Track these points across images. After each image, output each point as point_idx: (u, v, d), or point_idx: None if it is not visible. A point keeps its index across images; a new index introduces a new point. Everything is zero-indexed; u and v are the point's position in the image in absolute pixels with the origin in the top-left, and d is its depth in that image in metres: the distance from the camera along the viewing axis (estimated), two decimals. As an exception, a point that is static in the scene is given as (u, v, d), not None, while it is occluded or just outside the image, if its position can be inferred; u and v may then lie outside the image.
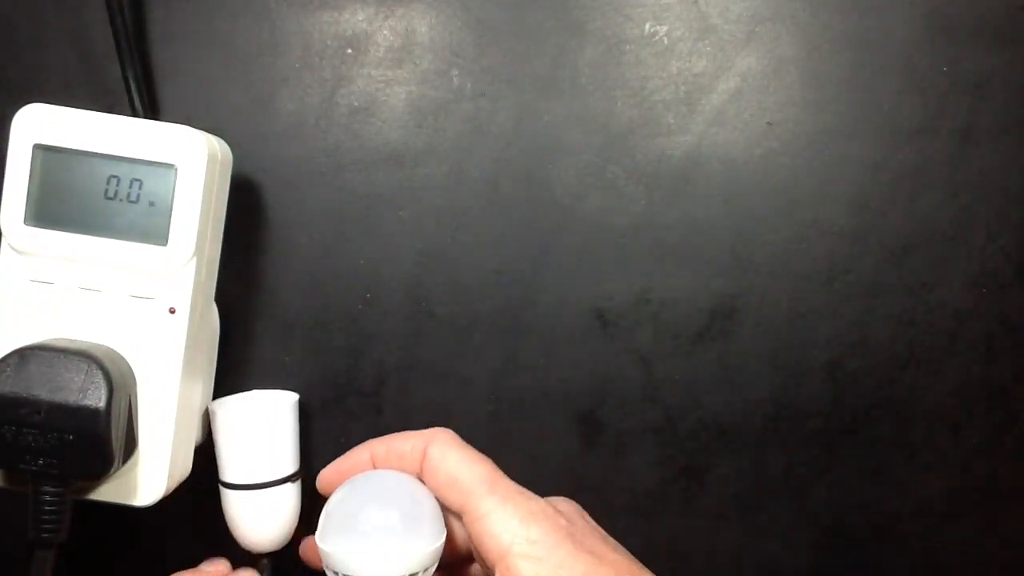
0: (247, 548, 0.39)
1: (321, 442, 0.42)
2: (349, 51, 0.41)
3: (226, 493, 0.38)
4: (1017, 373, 0.42)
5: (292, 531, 0.39)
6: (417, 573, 0.33)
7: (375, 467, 0.36)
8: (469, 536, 0.33)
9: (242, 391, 0.41)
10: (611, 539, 0.35)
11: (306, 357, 0.42)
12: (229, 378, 0.42)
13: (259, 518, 0.38)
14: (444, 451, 0.35)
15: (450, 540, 0.36)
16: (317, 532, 0.34)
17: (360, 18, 0.41)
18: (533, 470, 0.40)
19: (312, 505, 0.39)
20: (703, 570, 0.43)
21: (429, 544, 0.33)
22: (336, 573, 0.33)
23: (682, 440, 0.42)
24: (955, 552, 0.43)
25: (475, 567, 0.38)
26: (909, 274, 0.41)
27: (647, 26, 0.41)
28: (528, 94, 0.41)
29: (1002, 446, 0.42)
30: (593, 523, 0.36)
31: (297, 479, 0.39)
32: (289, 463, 0.39)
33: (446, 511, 0.35)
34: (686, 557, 0.43)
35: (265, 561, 0.39)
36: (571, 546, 0.32)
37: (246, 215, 0.41)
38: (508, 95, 0.41)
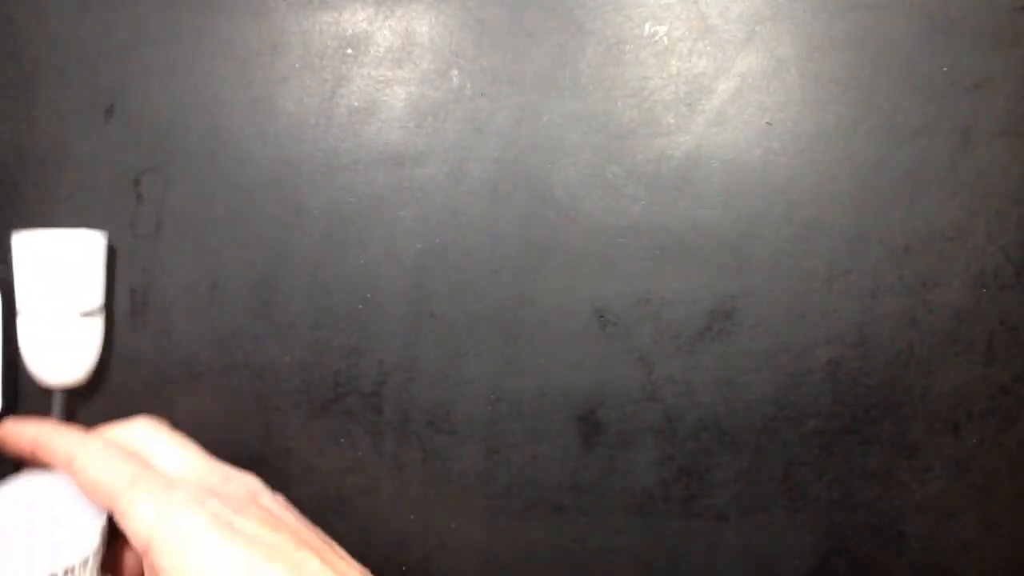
0: (40, 380, 0.39)
1: (321, 442, 0.42)
2: (349, 51, 0.41)
3: (25, 322, 0.38)
4: (1017, 373, 0.42)
5: (87, 369, 0.39)
6: (72, 567, 0.34)
7: (36, 448, 0.36)
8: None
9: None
10: (287, 516, 0.35)
11: (306, 357, 0.42)
12: (230, 379, 0.42)
13: (55, 349, 0.38)
14: (87, 460, 0.34)
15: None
16: None
17: (360, 18, 0.41)
18: (533, 470, 0.40)
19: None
20: (703, 570, 0.43)
21: (74, 540, 0.34)
22: None
23: (682, 440, 0.42)
24: (955, 552, 0.43)
25: None
26: (909, 274, 0.41)
27: (647, 26, 0.41)
28: (528, 94, 0.41)
29: (1002, 446, 0.42)
30: (268, 501, 0.36)
31: (99, 315, 0.39)
32: (92, 298, 0.39)
33: None
34: (686, 557, 0.43)
35: (59, 394, 0.39)
36: (216, 529, 0.32)
37: (246, 215, 0.41)
38: (508, 95, 0.41)
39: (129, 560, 0.38)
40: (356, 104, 0.41)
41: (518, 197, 0.41)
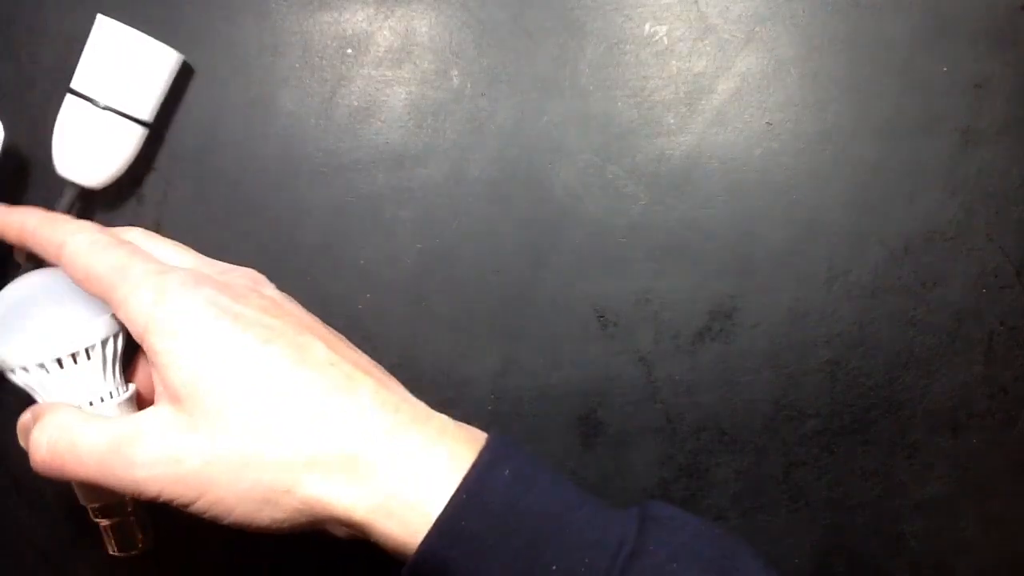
0: (60, 170, 0.38)
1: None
2: (349, 51, 0.41)
3: (72, 102, 0.37)
4: (1017, 373, 0.42)
5: (110, 177, 0.38)
6: (93, 345, 0.33)
7: (24, 236, 0.35)
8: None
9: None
10: (290, 305, 0.34)
11: (306, 357, 0.42)
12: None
13: (93, 141, 0.37)
14: (77, 248, 0.32)
15: None
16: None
17: (360, 18, 0.41)
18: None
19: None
20: (703, 570, 0.43)
21: (89, 317, 0.33)
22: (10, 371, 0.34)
23: (682, 440, 0.42)
24: (955, 552, 0.43)
25: None
26: (909, 274, 0.41)
27: (647, 26, 0.41)
28: (528, 94, 0.41)
29: (1002, 446, 0.42)
30: (271, 292, 0.34)
31: (145, 129, 0.39)
32: (147, 109, 0.38)
33: None
34: (686, 557, 0.43)
35: (74, 191, 0.38)
36: (212, 312, 0.30)
37: (246, 215, 0.41)
38: (508, 95, 0.41)
39: (145, 364, 0.37)
40: (356, 104, 0.41)
41: (518, 197, 0.41)
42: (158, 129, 0.40)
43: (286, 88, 0.41)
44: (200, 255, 0.36)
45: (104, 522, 0.35)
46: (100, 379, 0.34)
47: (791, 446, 0.42)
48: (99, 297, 0.32)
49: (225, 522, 0.30)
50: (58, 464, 0.31)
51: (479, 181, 0.41)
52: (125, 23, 0.38)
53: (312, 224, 0.41)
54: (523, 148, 0.41)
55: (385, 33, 0.41)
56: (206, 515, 0.30)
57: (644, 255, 0.41)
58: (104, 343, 0.34)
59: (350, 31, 0.41)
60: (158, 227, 0.42)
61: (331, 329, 0.34)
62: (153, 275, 0.31)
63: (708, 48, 0.41)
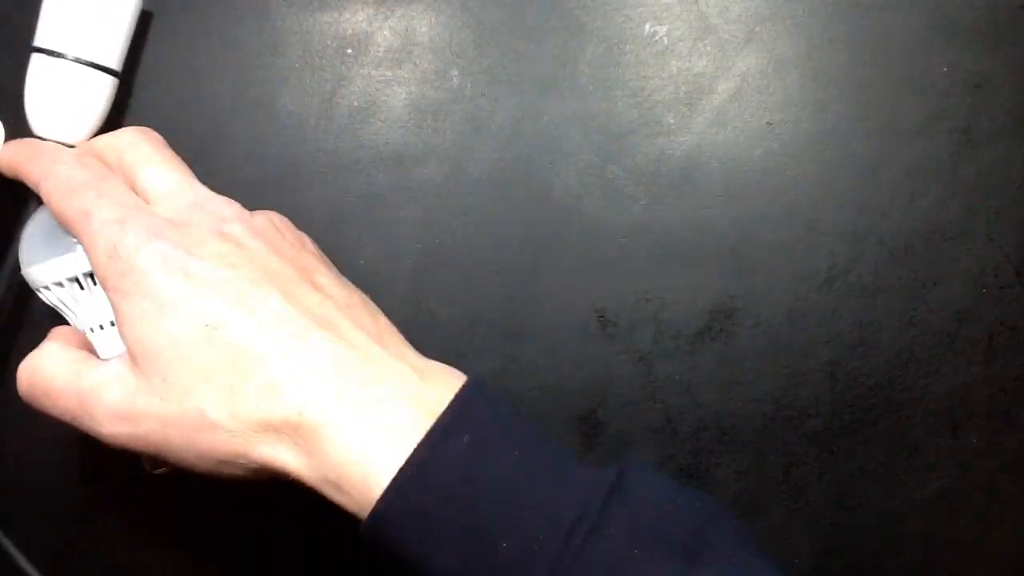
0: (37, 131, 0.37)
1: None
2: (349, 51, 0.41)
3: (37, 60, 0.36)
4: (1017, 373, 0.42)
5: (89, 131, 0.38)
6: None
7: (15, 173, 0.35)
8: None
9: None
10: (255, 245, 0.32)
11: (306, 357, 0.42)
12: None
13: (65, 96, 0.36)
14: (51, 189, 0.32)
15: None
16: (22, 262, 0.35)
17: (360, 18, 0.41)
18: (533, 470, 0.40)
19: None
20: (703, 570, 0.43)
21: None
22: (40, 288, 0.34)
23: (682, 440, 0.42)
24: (955, 552, 0.43)
25: None
26: (909, 274, 0.41)
27: (647, 26, 0.41)
28: (528, 94, 0.41)
29: (1002, 446, 0.42)
30: (237, 229, 0.32)
31: (115, 78, 0.38)
32: (113, 57, 0.37)
33: None
34: (686, 557, 0.43)
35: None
36: (161, 271, 0.30)
37: (246, 215, 0.41)
38: (508, 95, 0.41)
39: None
40: (356, 104, 0.41)
41: (518, 197, 0.41)
42: (128, 80, 0.40)
43: (286, 88, 0.41)
44: (185, 172, 0.35)
45: None
46: None
47: (791, 446, 0.42)
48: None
49: (192, 473, 0.30)
50: (34, 401, 0.32)
51: (479, 181, 0.41)
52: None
53: (312, 224, 0.41)
54: (523, 148, 0.41)
55: (385, 33, 0.41)
56: (176, 466, 0.30)
57: (644, 255, 0.41)
58: None
59: (350, 31, 0.41)
60: (158, 227, 0.41)
61: (305, 263, 0.33)
62: (112, 226, 0.30)
63: (708, 48, 0.41)
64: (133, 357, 0.30)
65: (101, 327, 0.34)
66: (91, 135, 0.38)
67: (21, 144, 0.36)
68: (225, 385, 0.29)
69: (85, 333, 0.34)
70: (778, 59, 0.41)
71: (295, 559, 0.42)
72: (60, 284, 0.34)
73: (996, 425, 0.42)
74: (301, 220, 0.41)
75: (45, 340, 0.33)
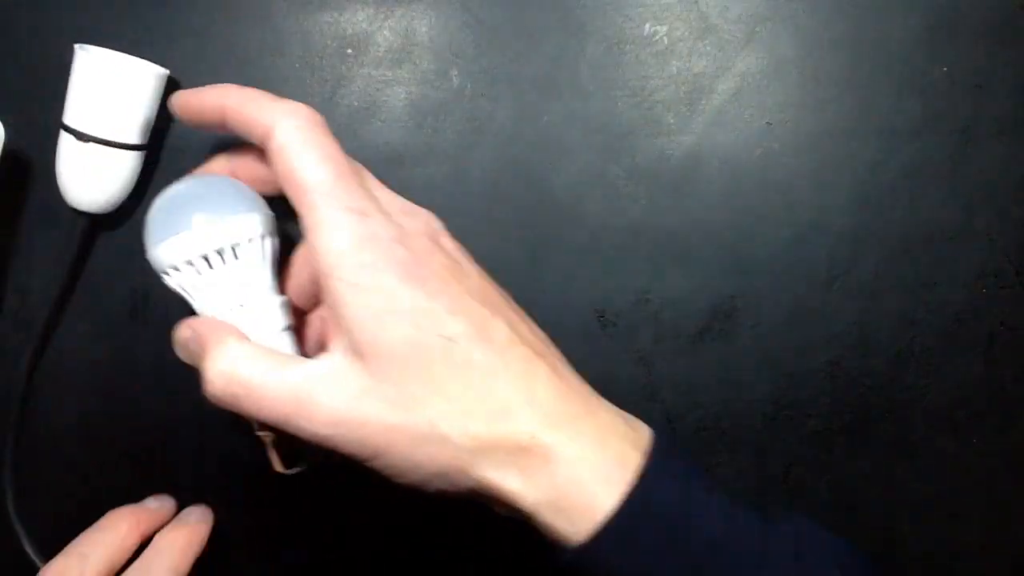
0: (71, 204, 0.39)
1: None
2: (349, 51, 0.41)
3: (65, 138, 0.37)
4: (1017, 373, 0.42)
5: (119, 198, 0.39)
6: (239, 244, 0.33)
7: (225, 118, 0.33)
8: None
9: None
10: (466, 267, 0.32)
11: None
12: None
13: (95, 174, 0.38)
14: (287, 139, 0.31)
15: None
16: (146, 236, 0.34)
17: (360, 18, 0.41)
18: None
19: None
20: (703, 570, 0.43)
21: (238, 215, 0.33)
22: (165, 272, 0.33)
23: (682, 440, 0.42)
24: (955, 552, 0.43)
25: None
26: (909, 274, 0.41)
27: (647, 26, 0.41)
28: (528, 94, 0.41)
29: (1002, 446, 0.42)
30: (451, 246, 0.33)
31: (141, 152, 0.39)
32: (141, 134, 0.38)
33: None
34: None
35: (86, 219, 0.39)
36: (400, 274, 0.29)
37: (246, 215, 0.41)
38: (508, 95, 0.41)
39: (299, 273, 0.36)
40: (356, 104, 0.41)
41: (518, 197, 0.41)
42: (157, 131, 0.40)
43: (286, 88, 0.41)
44: (380, 184, 0.34)
45: (268, 437, 0.34)
46: (251, 281, 0.33)
47: (791, 446, 0.42)
48: (290, 198, 0.31)
49: (394, 482, 0.30)
50: (233, 403, 0.30)
51: (479, 181, 0.41)
52: (126, 23, 0.38)
53: (312, 224, 0.41)
54: (523, 148, 0.41)
55: (385, 33, 0.41)
56: (378, 471, 0.30)
57: (644, 255, 0.41)
58: (253, 242, 0.33)
59: (350, 31, 0.41)
60: (158, 227, 0.42)
61: (503, 294, 0.33)
62: (354, 215, 0.30)
63: (708, 48, 0.41)
64: (362, 356, 0.29)
65: (241, 305, 0.33)
66: (119, 204, 0.39)
67: (230, 88, 0.33)
68: (458, 400, 0.29)
69: (213, 316, 0.33)
70: (778, 59, 0.41)
71: (299, 556, 0.42)
72: (190, 263, 0.32)
73: (996, 425, 0.42)
74: (301, 220, 0.41)
75: (212, 337, 0.31)
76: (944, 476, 0.42)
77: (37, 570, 0.39)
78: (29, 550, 0.40)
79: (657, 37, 0.41)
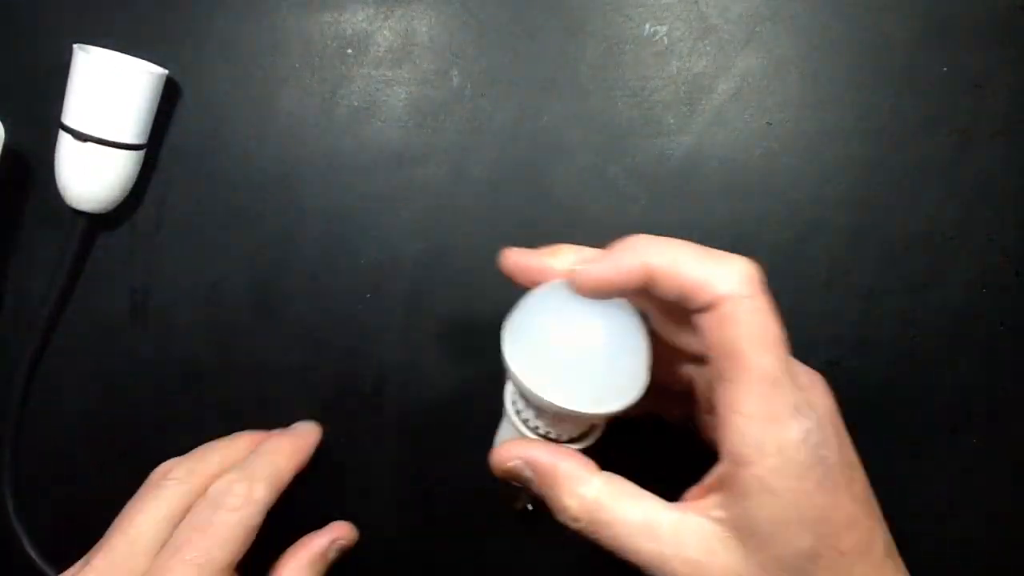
0: (70, 204, 0.39)
1: (321, 443, 0.42)
2: (349, 51, 0.41)
3: (64, 138, 0.38)
4: (1017, 373, 0.42)
5: (117, 197, 0.40)
6: (598, 425, 0.31)
7: (653, 279, 0.29)
8: (719, 408, 0.29)
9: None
10: (853, 459, 0.30)
11: (306, 357, 0.42)
12: (230, 379, 0.42)
13: (89, 175, 0.38)
14: (742, 309, 0.28)
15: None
16: (506, 334, 0.31)
17: (360, 18, 0.41)
18: (533, 470, 0.40)
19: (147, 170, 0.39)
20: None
21: (623, 396, 0.30)
22: (517, 390, 0.31)
23: (682, 442, 0.42)
24: (955, 552, 0.43)
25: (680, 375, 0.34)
26: (909, 274, 0.41)
27: (647, 26, 0.41)
28: (528, 94, 0.41)
29: (1002, 446, 0.42)
30: (843, 432, 0.31)
31: (139, 152, 0.39)
32: (135, 133, 0.39)
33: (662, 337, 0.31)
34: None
35: (85, 219, 0.39)
36: (819, 481, 0.28)
37: (246, 215, 0.41)
38: (508, 95, 0.41)
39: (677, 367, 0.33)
40: (356, 104, 0.41)
41: (518, 197, 0.41)
42: (157, 129, 0.40)
43: (286, 88, 0.41)
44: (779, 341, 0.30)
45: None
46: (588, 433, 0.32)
47: (791, 446, 0.42)
48: (715, 363, 0.29)
49: None
50: (590, 533, 0.30)
51: (479, 181, 0.41)
52: (126, 23, 0.38)
53: (312, 224, 0.41)
54: (523, 148, 0.41)
55: (385, 33, 0.41)
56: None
57: (644, 255, 0.41)
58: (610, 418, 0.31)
59: (350, 31, 0.41)
60: (158, 227, 0.42)
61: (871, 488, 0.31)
62: (794, 414, 0.28)
63: (708, 48, 0.41)
64: (747, 543, 0.28)
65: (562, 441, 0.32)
66: (118, 203, 0.40)
67: (666, 246, 0.30)
68: None
69: (524, 430, 0.32)
70: (778, 59, 0.41)
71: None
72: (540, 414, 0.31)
73: (996, 425, 0.42)
74: (301, 220, 0.41)
75: (565, 467, 0.30)
76: (944, 476, 0.42)
77: (37, 569, 0.39)
78: (30, 551, 0.40)
79: (657, 37, 0.41)
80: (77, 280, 0.41)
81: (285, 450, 0.38)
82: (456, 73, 0.41)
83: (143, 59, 0.39)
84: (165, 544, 0.34)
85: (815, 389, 0.31)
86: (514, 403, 0.32)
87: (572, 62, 0.41)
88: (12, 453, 0.41)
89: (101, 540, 0.35)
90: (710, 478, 0.30)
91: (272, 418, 0.42)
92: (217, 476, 0.36)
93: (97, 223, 0.41)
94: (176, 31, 0.40)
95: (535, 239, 0.41)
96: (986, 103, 0.41)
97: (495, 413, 0.42)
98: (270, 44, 0.41)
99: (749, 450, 0.28)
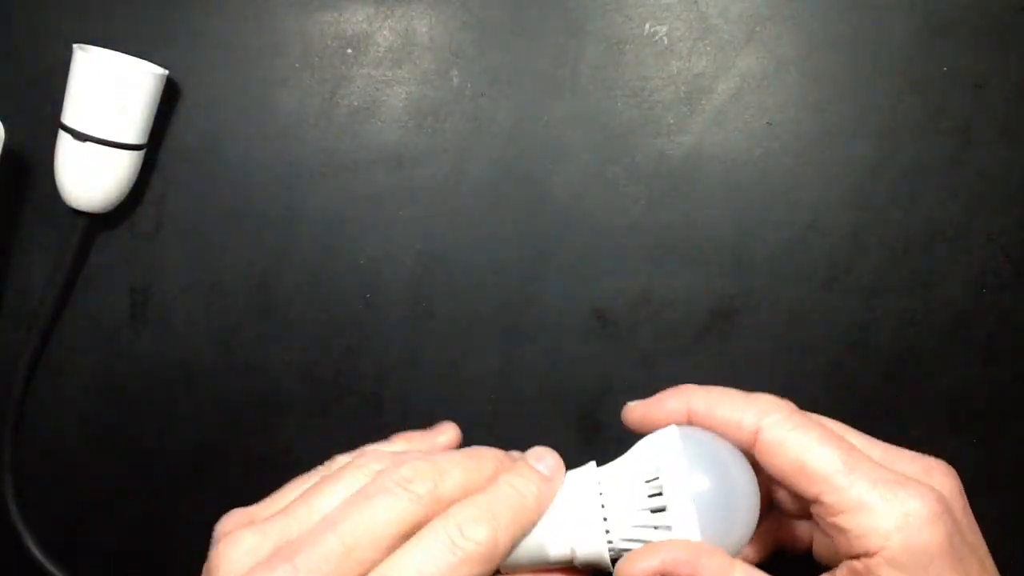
0: (70, 204, 0.39)
1: (321, 443, 0.42)
2: (349, 51, 0.41)
3: (63, 138, 0.38)
4: (1017, 373, 0.42)
5: (117, 198, 0.39)
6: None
7: (689, 422, 0.32)
8: (821, 523, 0.30)
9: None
10: (982, 541, 0.32)
11: (306, 357, 0.42)
12: (230, 379, 0.42)
13: (89, 175, 0.38)
14: (781, 430, 0.30)
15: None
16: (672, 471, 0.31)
17: (360, 18, 0.41)
18: (533, 470, 0.39)
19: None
20: (703, 570, 0.43)
21: (737, 540, 0.30)
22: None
23: (682, 440, 0.42)
24: (955, 552, 0.43)
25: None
26: (909, 274, 0.41)
27: (647, 26, 0.41)
28: (528, 94, 0.41)
29: (1002, 446, 0.42)
30: (970, 515, 0.32)
31: (139, 151, 0.39)
32: (135, 133, 0.38)
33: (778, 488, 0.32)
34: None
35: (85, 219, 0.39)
36: (949, 562, 0.28)
37: (246, 215, 0.41)
38: (508, 95, 0.41)
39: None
40: (356, 104, 0.41)
41: (518, 197, 0.41)
42: (157, 128, 0.40)
43: (286, 88, 0.41)
44: (871, 440, 0.32)
45: None
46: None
47: (791, 446, 0.42)
48: (801, 494, 0.30)
49: None
50: None
51: (479, 181, 0.41)
52: (126, 23, 0.38)
53: (312, 224, 0.41)
54: (523, 148, 0.41)
55: (385, 33, 0.41)
56: None
57: (644, 255, 0.41)
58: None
59: (350, 31, 0.41)
60: (158, 227, 0.42)
61: None
62: (887, 488, 0.29)
63: (708, 48, 0.41)
64: None
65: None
66: (117, 203, 0.40)
67: (702, 393, 0.32)
68: None
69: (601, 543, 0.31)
70: (778, 59, 0.41)
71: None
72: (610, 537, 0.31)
73: (996, 425, 0.42)
74: (301, 220, 0.41)
75: (711, 565, 0.29)
76: (944, 476, 0.42)
77: (38, 569, 0.39)
78: (34, 550, 0.40)
79: (657, 37, 0.41)
80: (77, 280, 0.41)
81: (532, 498, 0.32)
82: (456, 73, 0.41)
83: (143, 59, 0.39)
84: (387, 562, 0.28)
85: (930, 473, 0.32)
86: (604, 516, 0.32)
87: (572, 62, 0.41)
88: (12, 453, 0.41)
89: (303, 535, 0.28)
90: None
91: (272, 418, 0.42)
92: (457, 502, 0.30)
93: (97, 223, 0.41)
94: (176, 31, 0.40)
95: (535, 239, 0.41)
96: (986, 103, 0.41)
97: (495, 413, 0.42)
98: (270, 44, 0.41)
99: (864, 543, 0.28)
